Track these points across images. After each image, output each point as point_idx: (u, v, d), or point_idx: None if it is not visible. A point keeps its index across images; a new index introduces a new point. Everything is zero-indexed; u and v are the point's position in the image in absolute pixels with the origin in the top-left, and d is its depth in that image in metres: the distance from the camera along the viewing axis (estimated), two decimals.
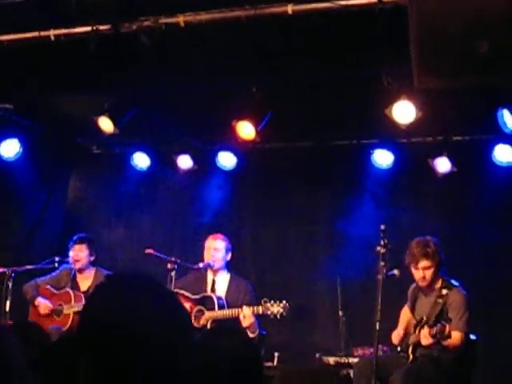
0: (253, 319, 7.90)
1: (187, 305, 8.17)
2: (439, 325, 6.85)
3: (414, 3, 5.05)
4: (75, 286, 8.87)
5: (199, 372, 2.85)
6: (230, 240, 8.61)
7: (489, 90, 6.96)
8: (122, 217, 10.81)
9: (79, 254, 8.80)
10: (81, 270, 8.87)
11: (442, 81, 5.56)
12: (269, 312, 7.81)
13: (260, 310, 7.86)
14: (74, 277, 8.92)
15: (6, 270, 8.25)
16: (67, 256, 8.82)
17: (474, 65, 5.18)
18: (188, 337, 2.12)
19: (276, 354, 8.50)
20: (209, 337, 3.20)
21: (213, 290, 8.48)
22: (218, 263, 8.47)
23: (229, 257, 8.56)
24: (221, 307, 8.22)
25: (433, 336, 6.90)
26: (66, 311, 8.67)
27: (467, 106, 7.64)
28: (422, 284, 7.36)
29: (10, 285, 8.17)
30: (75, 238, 8.87)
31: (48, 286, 8.86)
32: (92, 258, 8.89)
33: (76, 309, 8.57)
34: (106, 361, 2.01)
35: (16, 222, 10.25)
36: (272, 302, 7.84)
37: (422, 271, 7.28)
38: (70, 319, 8.60)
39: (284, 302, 7.83)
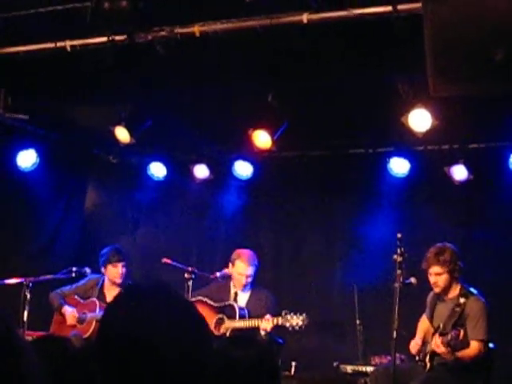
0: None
1: (209, 312, 8.14)
2: (454, 331, 6.83)
3: (429, 11, 5.06)
4: (102, 297, 8.80)
5: (214, 380, 2.85)
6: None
7: (504, 97, 6.94)
8: (139, 226, 10.83)
9: (124, 270, 8.74)
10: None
11: (458, 88, 5.56)
12: (288, 324, 7.76)
13: (280, 321, 7.80)
14: (102, 287, 8.88)
15: (23, 280, 8.22)
16: (84, 266, 8.76)
17: (489, 72, 5.18)
18: (205, 347, 2.12)
19: (293, 364, 8.47)
20: (225, 345, 3.20)
21: (235, 300, 8.44)
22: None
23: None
24: (242, 317, 8.18)
25: (447, 344, 6.87)
26: (89, 319, 8.65)
27: (483, 114, 7.62)
28: (436, 290, 7.35)
29: (28, 295, 8.15)
30: (118, 255, 8.73)
31: (75, 296, 8.85)
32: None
33: (99, 317, 8.55)
34: (124, 370, 2.02)
35: (33, 232, 10.26)
36: (292, 314, 7.79)
37: (434, 277, 7.28)
38: (92, 327, 8.57)
39: (304, 314, 7.77)
